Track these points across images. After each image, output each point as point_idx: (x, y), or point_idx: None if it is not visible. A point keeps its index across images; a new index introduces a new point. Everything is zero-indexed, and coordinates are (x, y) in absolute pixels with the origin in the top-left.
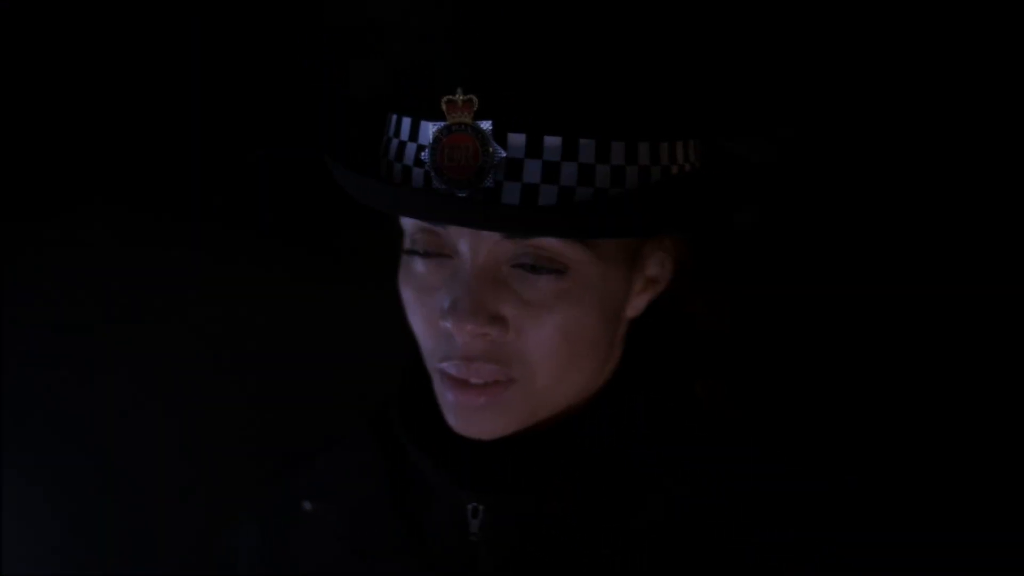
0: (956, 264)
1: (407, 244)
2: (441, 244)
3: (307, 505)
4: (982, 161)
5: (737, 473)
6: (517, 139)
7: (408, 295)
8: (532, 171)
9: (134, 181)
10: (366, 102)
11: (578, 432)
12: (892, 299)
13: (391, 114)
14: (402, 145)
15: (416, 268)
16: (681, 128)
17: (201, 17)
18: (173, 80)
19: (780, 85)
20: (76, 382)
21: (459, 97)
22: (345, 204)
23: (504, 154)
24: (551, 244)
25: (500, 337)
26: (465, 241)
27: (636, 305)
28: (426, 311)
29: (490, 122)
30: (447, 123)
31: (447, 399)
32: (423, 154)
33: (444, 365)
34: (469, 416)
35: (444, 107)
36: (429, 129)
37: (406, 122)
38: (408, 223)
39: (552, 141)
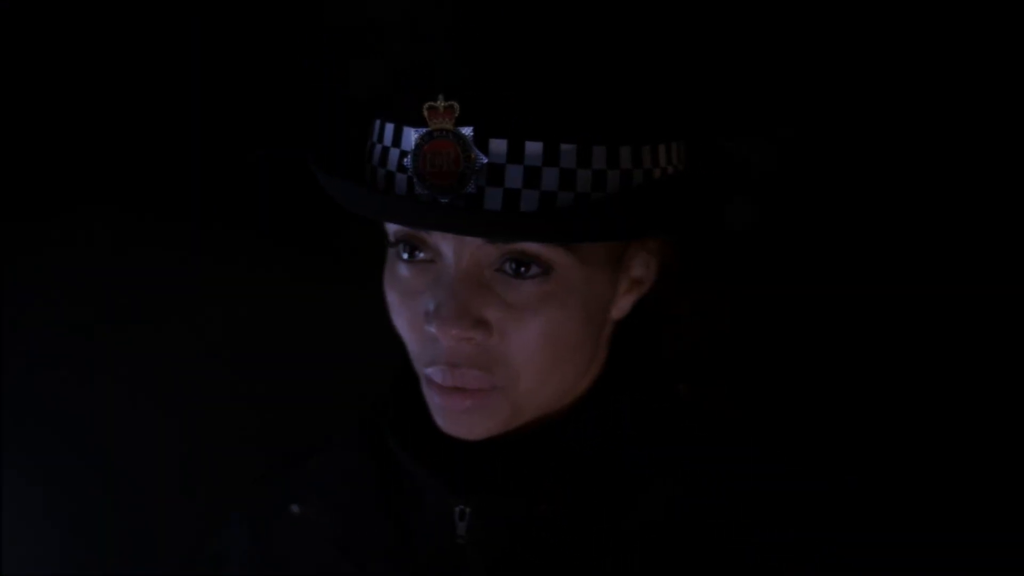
0: (956, 264)
1: (391, 248)
2: (425, 248)
3: (295, 508)
4: (982, 161)
5: (731, 473)
6: (498, 145)
7: (393, 299)
8: (514, 176)
9: (134, 181)
10: (360, 104)
11: (564, 434)
12: (892, 299)
13: (375, 119)
14: (385, 150)
15: (400, 272)
16: (663, 131)
17: (201, 17)
18: (173, 80)
19: (780, 85)
20: (76, 382)
21: (440, 103)
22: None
23: (486, 160)
24: (534, 248)
25: (484, 340)
26: (448, 246)
27: (621, 306)
28: (410, 315)
29: (471, 128)
30: (429, 129)
31: (434, 402)
32: (405, 160)
33: (430, 371)
34: (456, 418)
35: (426, 113)
36: (411, 135)
37: (389, 127)
38: (392, 227)
39: (533, 147)
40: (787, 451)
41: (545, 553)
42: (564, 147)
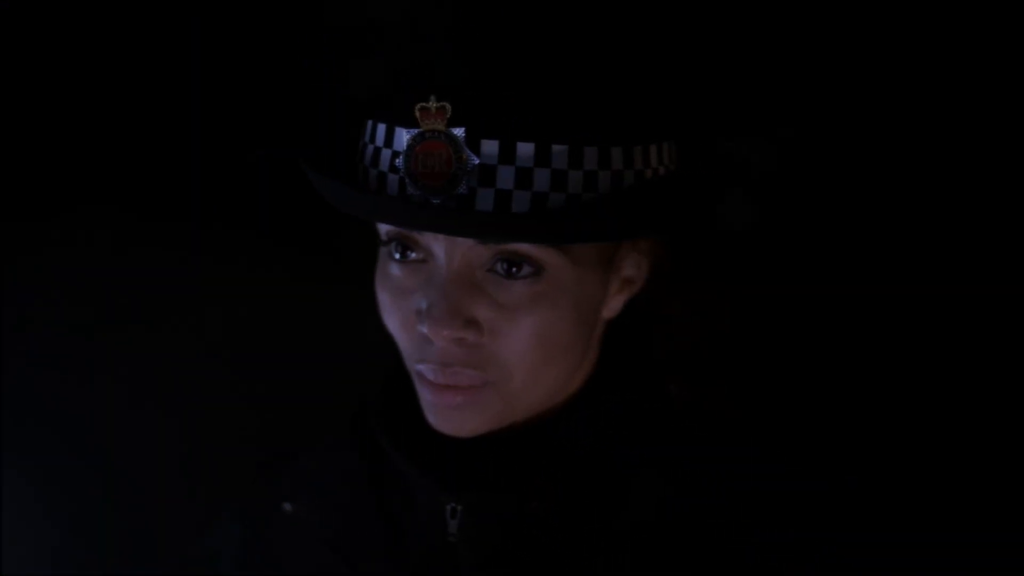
0: (956, 264)
1: (382, 248)
2: (416, 248)
3: (287, 506)
4: (982, 161)
5: (725, 473)
6: (490, 146)
7: (384, 298)
8: (505, 177)
9: (134, 181)
10: (358, 104)
11: (555, 432)
12: (892, 299)
13: (367, 119)
14: (377, 151)
15: (392, 272)
16: (654, 132)
17: (201, 17)
18: (173, 80)
19: (780, 85)
20: (76, 382)
21: (432, 104)
22: None
23: (477, 161)
24: (525, 248)
25: (476, 340)
26: (440, 246)
27: (612, 306)
28: (402, 315)
29: (463, 129)
30: (421, 130)
31: (426, 399)
32: (397, 160)
33: (422, 368)
34: (448, 414)
35: (418, 114)
36: (403, 136)
37: (381, 128)
38: (384, 227)
39: (525, 147)
40: (787, 451)
41: (536, 551)
42: (556, 148)
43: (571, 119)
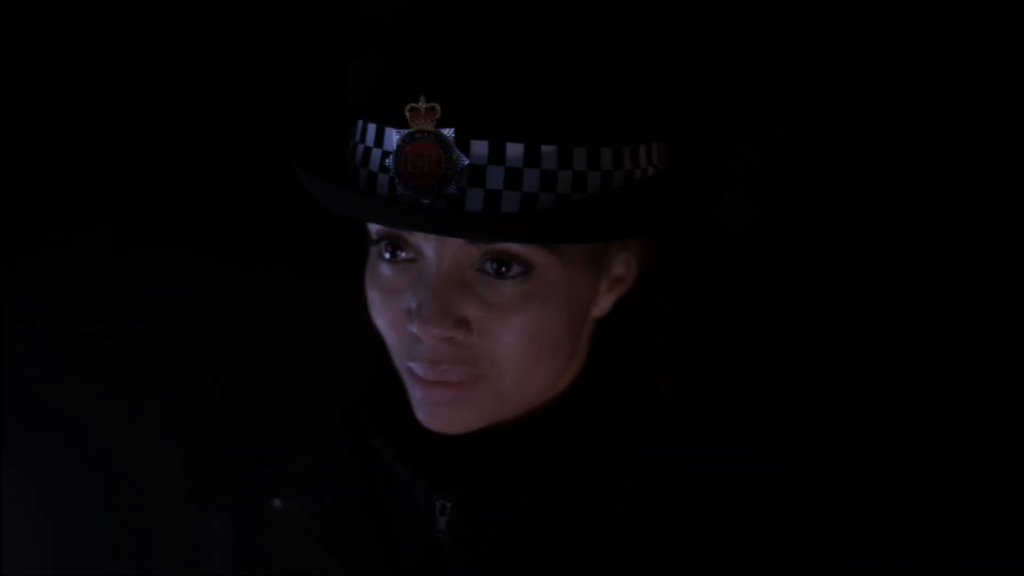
0: (956, 264)
1: (372, 247)
2: (406, 248)
3: (277, 503)
4: (982, 161)
5: (720, 472)
6: (479, 146)
7: (374, 297)
8: (495, 178)
9: (134, 181)
10: (354, 104)
11: (544, 430)
12: (892, 299)
13: (358, 119)
14: (367, 151)
15: (382, 271)
16: (643, 133)
17: (201, 17)
18: (173, 80)
19: (779, 85)
20: (76, 382)
21: (422, 105)
22: None
23: (467, 161)
24: (515, 248)
25: (465, 339)
26: (430, 246)
27: (602, 305)
28: (392, 314)
29: (453, 130)
30: (411, 130)
31: (416, 396)
32: (387, 160)
33: (412, 365)
34: (437, 411)
35: (408, 114)
36: (393, 136)
37: (371, 128)
38: (374, 227)
39: (514, 148)
40: (786, 451)
41: (526, 548)
42: (545, 149)
43: (561, 120)
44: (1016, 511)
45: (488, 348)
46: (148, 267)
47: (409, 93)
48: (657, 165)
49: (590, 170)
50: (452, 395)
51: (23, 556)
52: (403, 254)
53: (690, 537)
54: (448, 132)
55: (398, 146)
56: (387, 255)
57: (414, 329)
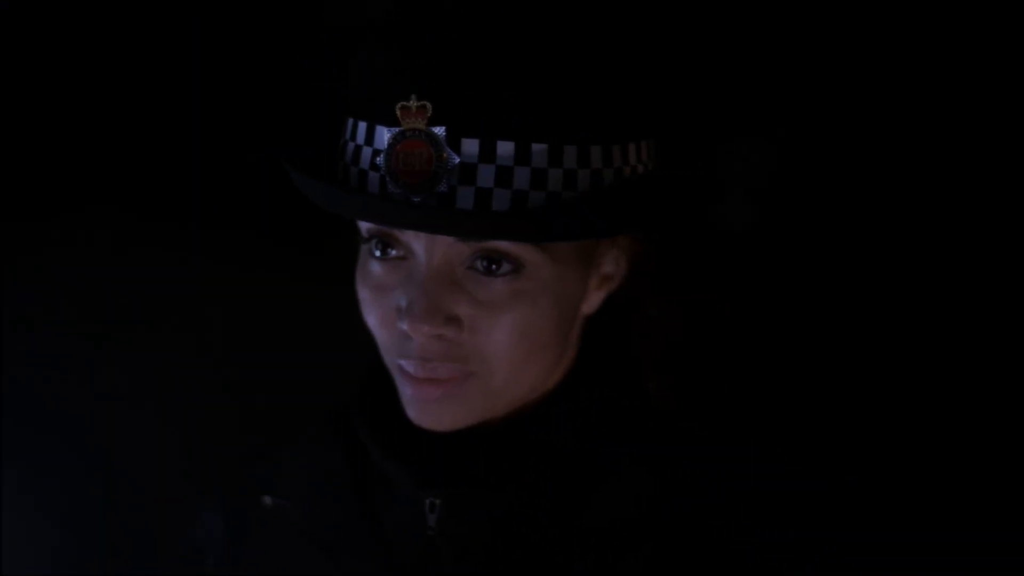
0: (956, 264)
1: (363, 245)
2: (397, 245)
3: (267, 500)
4: (982, 161)
5: (716, 472)
6: (470, 145)
7: (364, 294)
8: (486, 176)
9: (134, 181)
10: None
11: (532, 427)
12: (892, 299)
13: (347, 117)
14: (358, 148)
15: (372, 269)
16: (633, 130)
17: (201, 17)
18: (173, 80)
19: (779, 86)
20: (76, 382)
21: (413, 103)
22: None
23: (458, 159)
24: (505, 246)
25: (455, 337)
26: (420, 244)
27: (591, 302)
28: (382, 311)
29: (444, 128)
30: (401, 129)
31: (406, 393)
32: (378, 159)
33: (402, 362)
34: (428, 408)
35: (398, 113)
36: (384, 134)
37: (362, 126)
38: (364, 225)
39: (505, 146)
40: (777, 451)
41: (515, 546)
42: (536, 147)
43: (551, 118)
44: (1016, 511)
45: (478, 346)
46: (148, 267)
47: (400, 91)
48: (646, 163)
49: (580, 168)
50: (442, 392)
51: (23, 556)
52: (393, 252)
53: (690, 537)
54: (439, 130)
55: (389, 144)
56: (377, 253)
57: (404, 327)
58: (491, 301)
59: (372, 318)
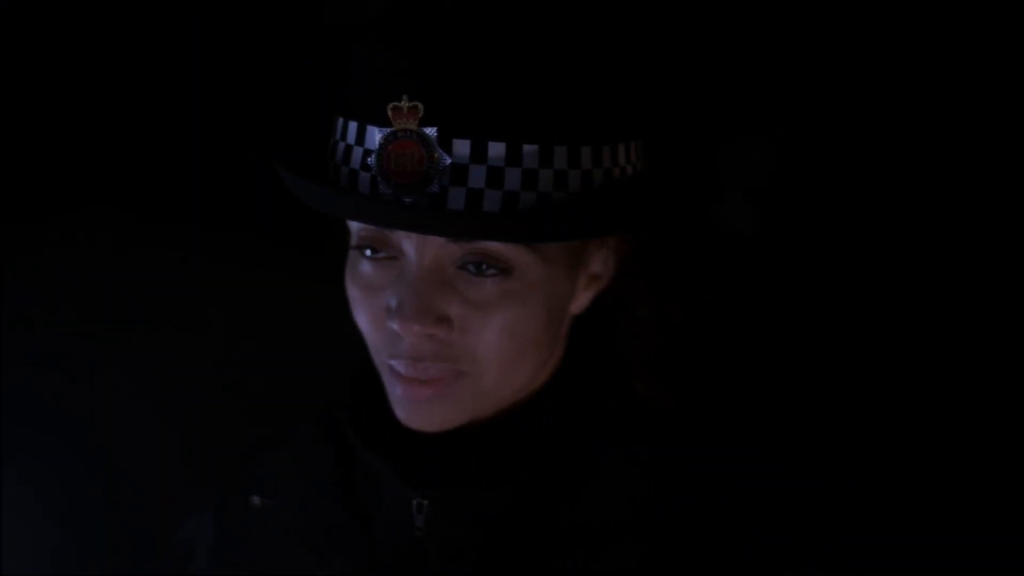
0: (956, 264)
1: (353, 244)
2: (387, 245)
3: (256, 500)
4: (982, 161)
5: (711, 472)
6: (462, 145)
7: (354, 294)
8: (477, 177)
9: (134, 181)
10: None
11: (519, 426)
12: (892, 299)
13: (338, 117)
14: (348, 148)
15: (362, 268)
16: (623, 131)
17: (201, 17)
18: (173, 80)
19: (779, 86)
20: (76, 382)
21: (405, 104)
22: None
23: (449, 160)
24: (495, 247)
25: (446, 337)
26: (411, 244)
27: (580, 302)
28: (373, 311)
29: (435, 129)
30: (393, 129)
31: (396, 393)
32: (369, 159)
33: (393, 362)
34: (417, 408)
35: (390, 113)
36: (375, 134)
37: (352, 125)
38: (355, 225)
39: (496, 147)
40: (777, 451)
41: (503, 545)
42: (527, 148)
43: (542, 118)
44: (1016, 511)
45: (469, 346)
46: (148, 267)
47: (392, 92)
48: (635, 164)
49: (570, 169)
50: (432, 392)
51: (23, 556)
52: (383, 252)
53: (689, 537)
54: (431, 131)
55: (381, 145)
56: (367, 253)
57: (395, 327)
58: (481, 301)
59: (362, 318)
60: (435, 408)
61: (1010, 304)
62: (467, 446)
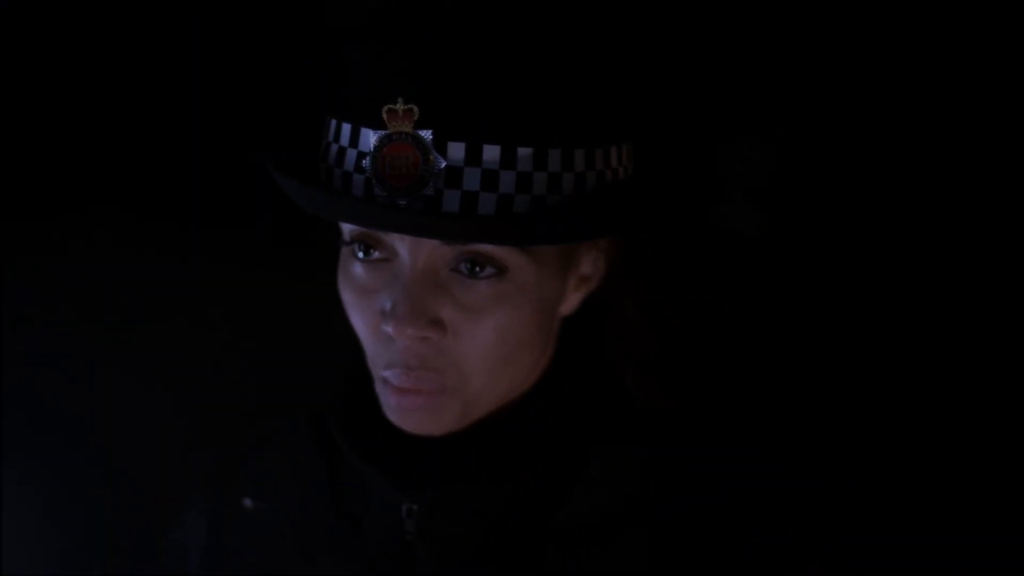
0: (956, 264)
1: (345, 247)
2: (380, 245)
3: (247, 502)
4: (982, 161)
5: (713, 472)
6: (457, 148)
7: (348, 296)
8: (471, 179)
9: (134, 182)
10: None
11: (509, 427)
12: (892, 299)
13: (331, 118)
14: (342, 151)
15: (355, 271)
16: (615, 134)
17: (201, 17)
18: (173, 81)
19: (779, 86)
20: (76, 382)
21: (400, 106)
22: None
23: (444, 163)
24: (489, 249)
25: (439, 340)
26: (404, 246)
27: (570, 303)
28: (366, 314)
29: (430, 131)
30: (388, 132)
31: (389, 402)
32: (364, 161)
33: (387, 374)
34: (409, 414)
35: (384, 115)
36: (370, 137)
37: (346, 127)
38: (347, 227)
39: (491, 150)
40: (777, 451)
41: (494, 548)
42: (521, 151)
43: (536, 122)
44: (1016, 511)
45: (460, 349)
46: (148, 267)
47: (387, 94)
48: (627, 166)
49: (564, 171)
50: (423, 401)
51: (23, 556)
52: (377, 253)
53: (689, 537)
54: (426, 134)
55: (375, 147)
56: (360, 255)
57: (389, 329)
58: (474, 304)
59: (358, 322)
60: (425, 416)
61: (1010, 304)
62: (456, 449)
